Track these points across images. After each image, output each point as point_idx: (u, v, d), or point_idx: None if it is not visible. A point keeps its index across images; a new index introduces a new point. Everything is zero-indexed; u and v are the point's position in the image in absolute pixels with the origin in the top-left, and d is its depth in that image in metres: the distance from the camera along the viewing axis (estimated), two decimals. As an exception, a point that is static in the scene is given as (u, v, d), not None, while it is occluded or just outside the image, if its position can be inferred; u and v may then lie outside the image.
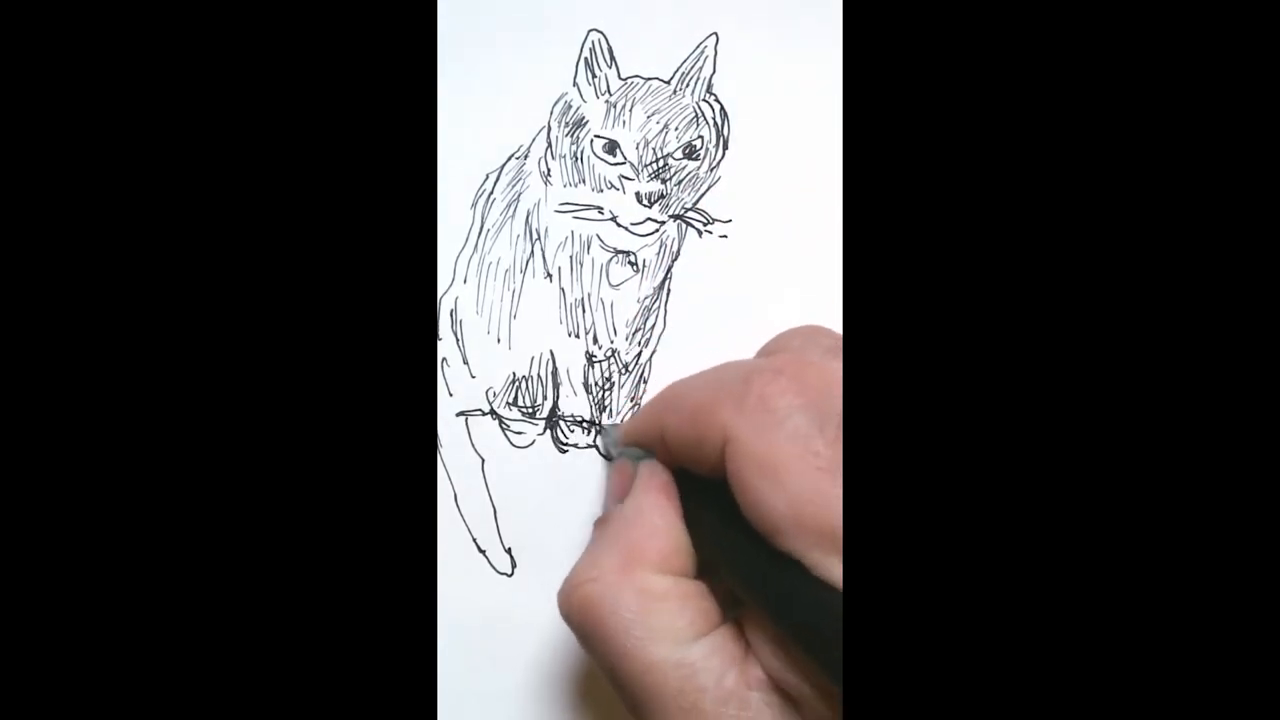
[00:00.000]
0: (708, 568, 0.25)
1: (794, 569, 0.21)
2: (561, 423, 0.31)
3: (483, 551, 0.31)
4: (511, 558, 0.31)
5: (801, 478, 0.21)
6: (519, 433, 0.31)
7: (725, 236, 0.31)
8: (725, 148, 0.31)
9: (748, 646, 0.23)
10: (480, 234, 0.31)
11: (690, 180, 0.31)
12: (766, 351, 0.25)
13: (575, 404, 0.31)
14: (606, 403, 0.31)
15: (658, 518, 0.24)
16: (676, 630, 0.23)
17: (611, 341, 0.31)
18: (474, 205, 0.31)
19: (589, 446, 0.31)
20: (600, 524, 0.26)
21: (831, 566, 0.20)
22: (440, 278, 0.31)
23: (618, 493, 0.26)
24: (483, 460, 0.31)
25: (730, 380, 0.23)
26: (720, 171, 0.31)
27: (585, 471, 0.31)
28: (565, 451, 0.31)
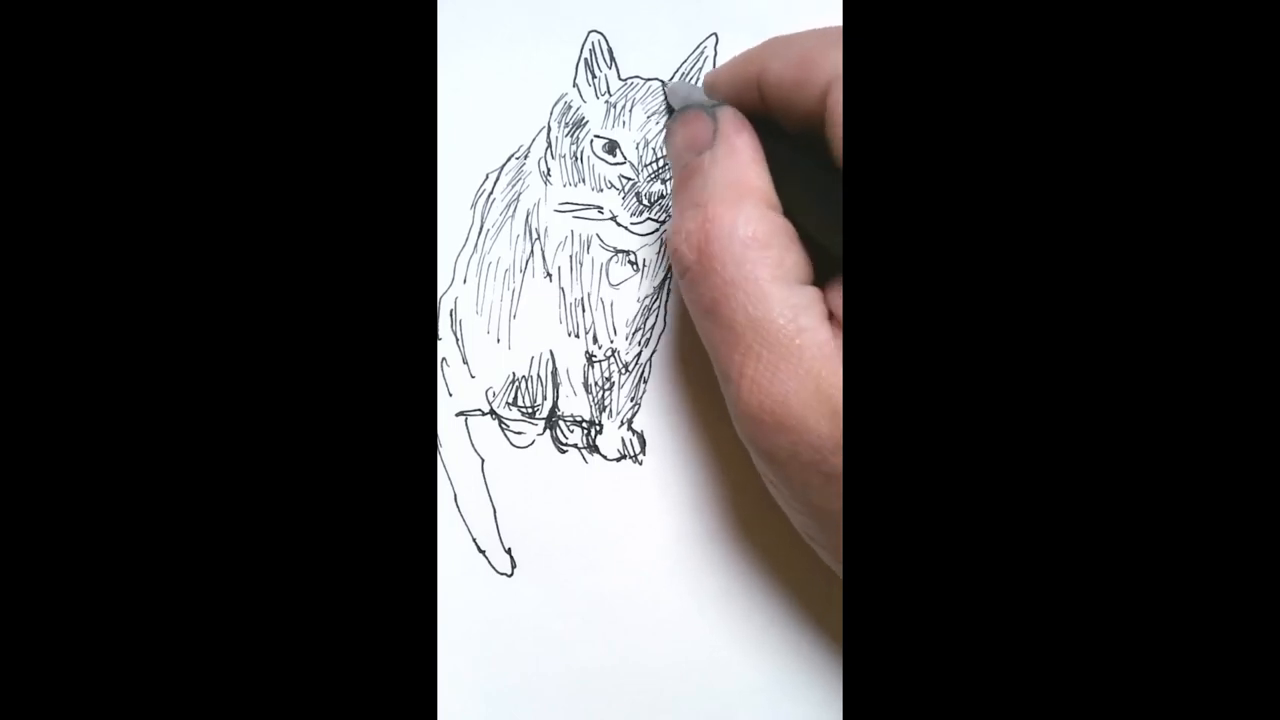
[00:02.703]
0: (791, 215, 0.25)
1: None
2: (561, 423, 0.31)
3: (483, 551, 0.31)
4: (511, 558, 0.31)
5: None
6: (519, 433, 0.31)
7: (725, 236, 0.31)
8: (725, 148, 0.31)
9: (832, 314, 0.23)
10: (480, 234, 0.31)
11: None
12: None
13: (575, 404, 0.31)
14: (606, 403, 0.31)
15: (754, 154, 0.25)
16: (785, 267, 0.23)
17: (611, 341, 0.31)
18: (474, 205, 0.31)
19: (589, 447, 0.31)
20: (688, 174, 0.26)
21: None
22: (440, 278, 0.31)
23: (696, 142, 0.26)
24: (482, 460, 0.31)
25: (837, 33, 0.24)
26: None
27: (585, 471, 0.31)
28: (565, 451, 0.31)
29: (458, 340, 0.31)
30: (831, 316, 0.23)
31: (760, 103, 0.25)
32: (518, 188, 0.31)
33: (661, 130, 0.31)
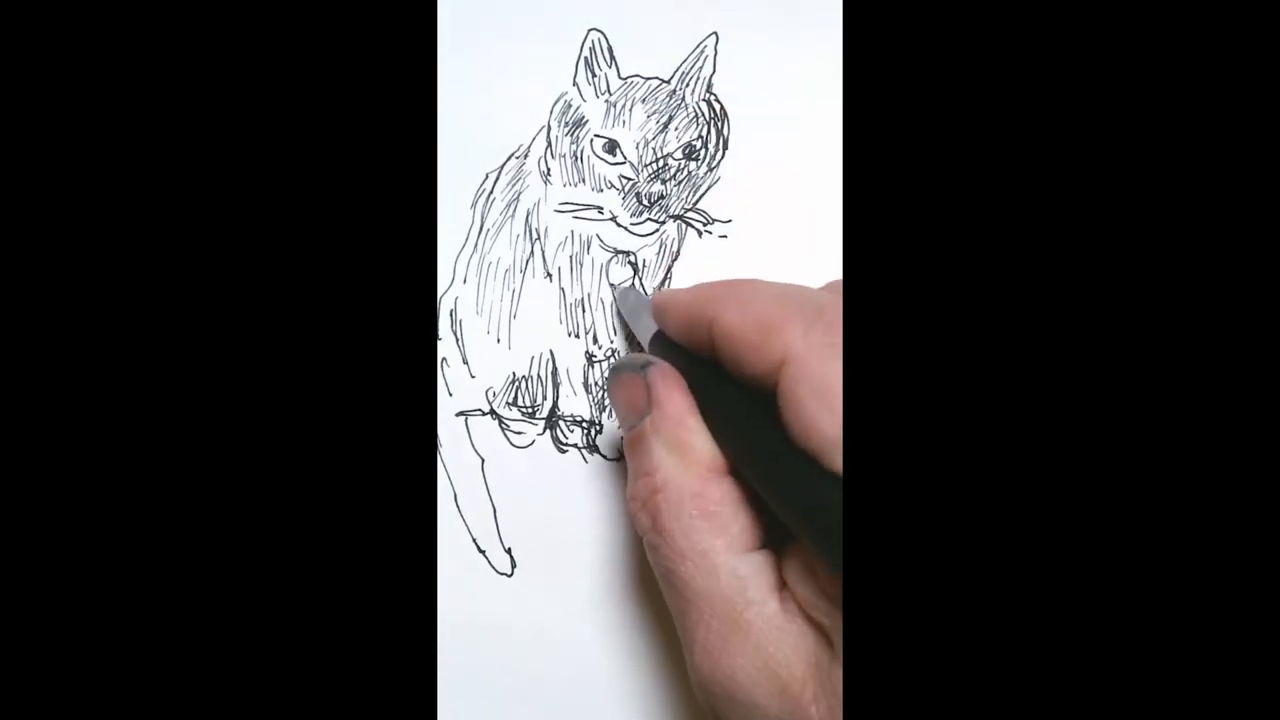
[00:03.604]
0: (736, 473, 0.25)
1: (835, 486, 0.21)
2: (561, 423, 0.31)
3: (483, 551, 0.31)
4: (511, 558, 0.31)
5: None
6: (519, 433, 0.31)
7: (725, 236, 0.31)
8: (725, 148, 0.31)
9: (783, 582, 0.23)
10: (480, 234, 0.31)
11: (690, 180, 0.31)
12: (834, 289, 0.25)
13: (575, 404, 0.31)
14: (606, 403, 0.31)
15: (691, 419, 0.25)
16: (732, 535, 0.24)
17: (611, 341, 0.31)
18: (474, 205, 0.31)
19: (589, 447, 0.31)
20: (635, 441, 0.26)
21: None
22: (440, 278, 0.31)
23: (632, 403, 0.26)
24: (483, 460, 0.31)
25: (801, 302, 0.23)
26: (720, 171, 0.31)
27: (585, 471, 0.31)
28: (565, 451, 0.31)
29: (458, 340, 0.31)
30: (784, 586, 0.23)
31: (708, 346, 0.25)
32: (518, 187, 0.31)
33: (662, 131, 0.31)
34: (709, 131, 0.31)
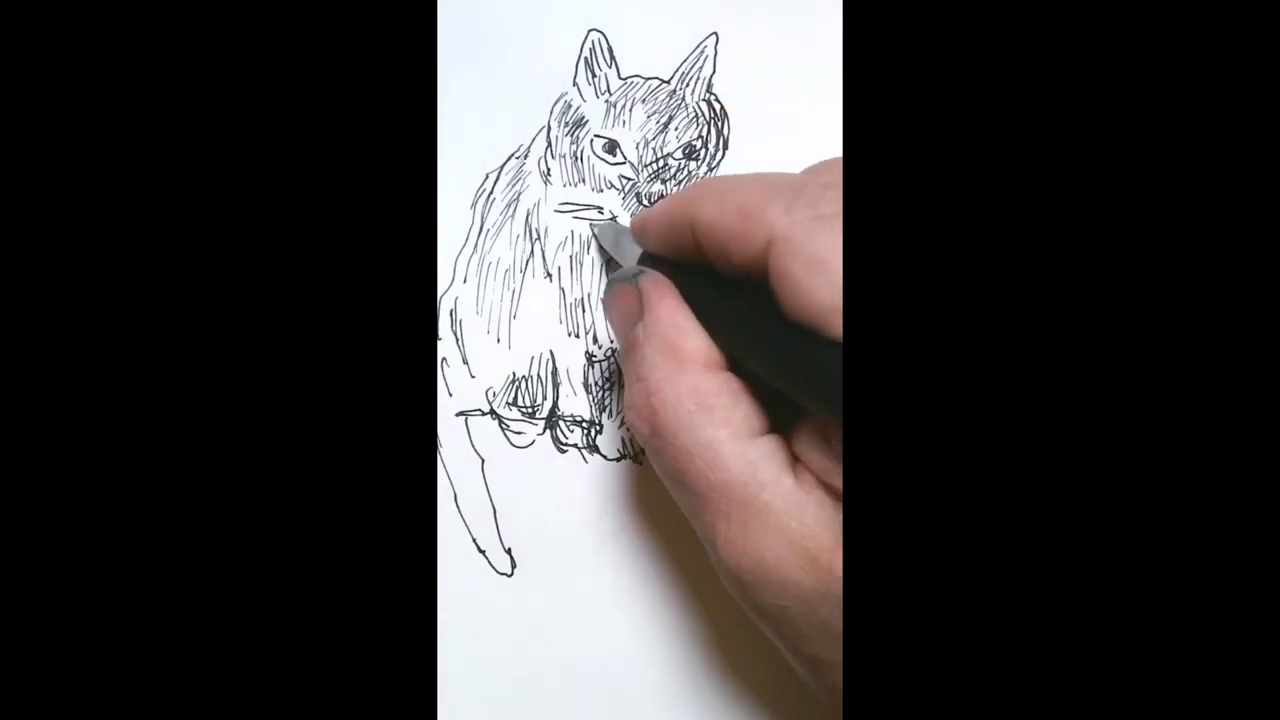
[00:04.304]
0: (737, 366, 0.25)
1: (835, 351, 0.21)
2: (561, 423, 0.31)
3: (483, 551, 0.31)
4: (511, 558, 0.31)
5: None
6: (519, 433, 0.31)
7: (725, 236, 0.31)
8: (725, 148, 0.31)
9: (796, 459, 0.23)
10: (480, 234, 0.31)
11: (690, 180, 0.31)
12: (812, 172, 0.25)
13: (575, 404, 0.31)
14: (606, 403, 0.31)
15: (683, 319, 0.25)
16: (735, 424, 0.24)
17: (611, 341, 0.31)
18: (474, 205, 0.31)
19: (589, 447, 0.31)
20: (629, 349, 0.26)
21: None
22: (440, 278, 0.31)
23: (627, 315, 0.26)
24: (483, 460, 0.31)
25: (777, 184, 0.23)
26: (720, 171, 0.31)
27: (585, 471, 0.31)
28: (565, 451, 0.31)
29: (458, 340, 0.31)
30: (797, 461, 0.23)
31: (695, 248, 0.25)
32: (518, 187, 0.31)
33: (662, 131, 0.31)
34: (709, 131, 0.31)
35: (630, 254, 0.28)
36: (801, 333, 0.22)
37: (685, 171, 0.31)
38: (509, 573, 0.31)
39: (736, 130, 0.31)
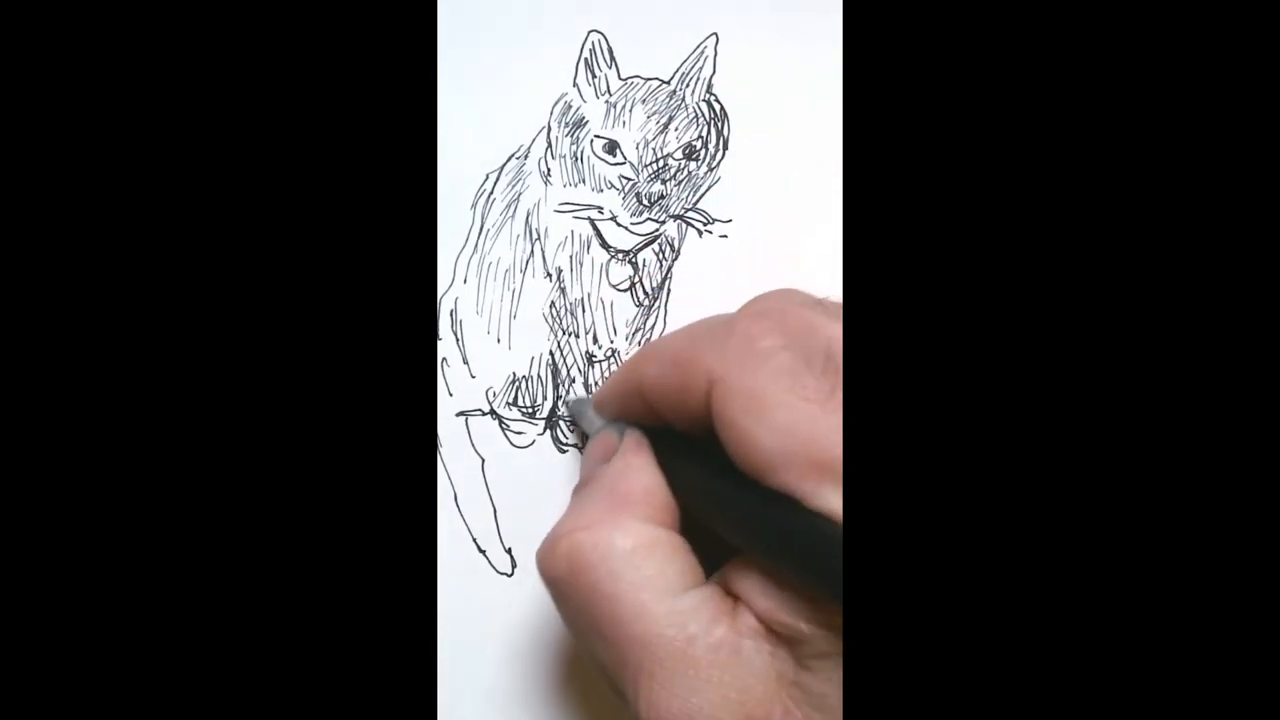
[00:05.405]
0: (691, 524, 0.24)
1: (787, 505, 0.20)
2: (561, 423, 0.31)
3: (483, 551, 0.31)
4: (511, 558, 0.31)
5: (789, 410, 0.20)
6: (519, 433, 0.31)
7: (725, 236, 0.31)
8: (725, 148, 0.31)
9: (736, 600, 0.22)
10: (480, 234, 0.31)
11: (690, 180, 0.31)
12: (746, 307, 0.25)
13: (575, 404, 0.31)
14: (606, 403, 0.31)
15: (643, 474, 0.24)
16: (667, 578, 0.22)
17: (611, 341, 0.31)
18: (474, 205, 0.31)
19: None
20: (581, 487, 0.26)
21: (827, 496, 0.20)
22: (440, 278, 0.31)
23: (600, 460, 0.26)
24: (483, 460, 0.31)
25: (711, 327, 0.23)
26: (720, 171, 0.31)
27: (585, 471, 0.31)
28: (565, 451, 0.31)
29: (458, 340, 0.31)
30: (738, 603, 0.22)
31: (648, 411, 0.25)
32: (518, 188, 0.31)
33: (662, 131, 0.31)
34: (709, 132, 0.31)
35: (594, 425, 0.28)
36: (752, 485, 0.21)
37: (685, 171, 0.31)
38: (509, 573, 0.31)
39: (736, 130, 0.31)
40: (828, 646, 0.21)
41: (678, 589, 0.22)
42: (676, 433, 0.25)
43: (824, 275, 0.30)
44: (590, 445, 0.27)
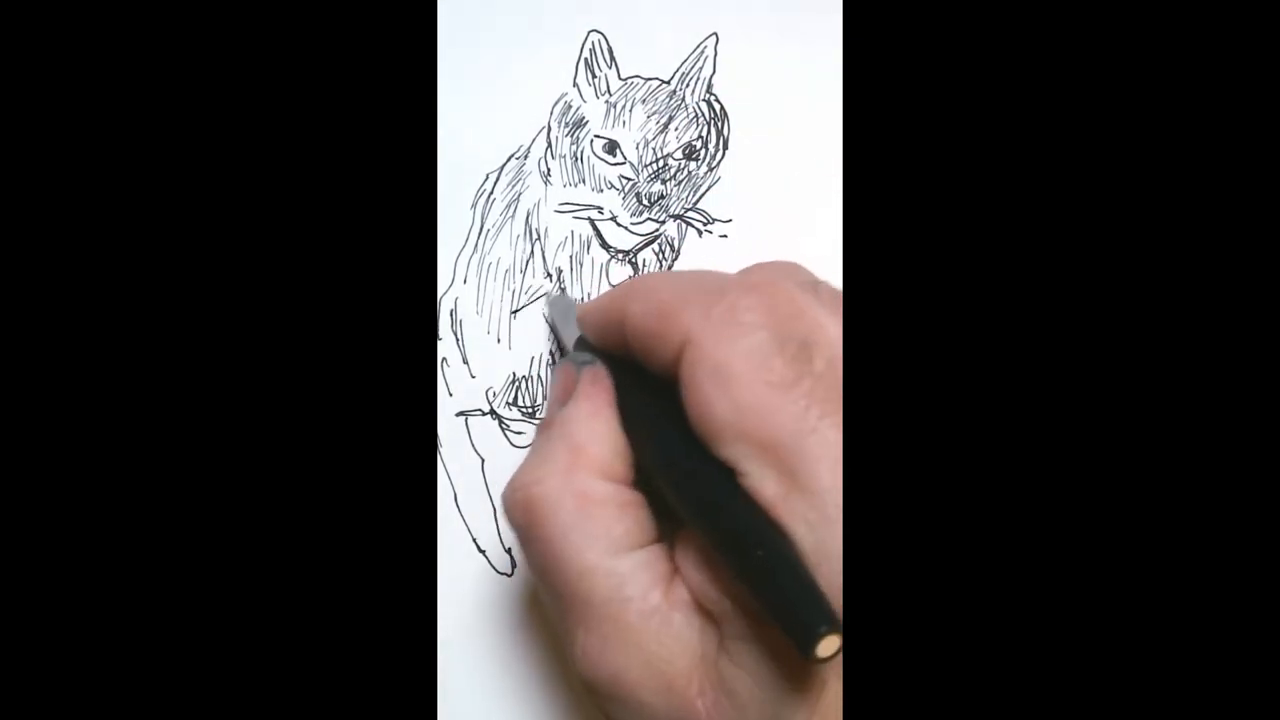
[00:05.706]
0: (645, 477, 0.24)
1: (726, 478, 0.21)
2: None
3: (483, 551, 0.31)
4: (511, 558, 0.31)
5: (751, 388, 0.21)
6: (519, 433, 0.31)
7: (725, 236, 0.31)
8: (725, 148, 0.31)
9: (675, 570, 0.23)
10: (480, 234, 0.31)
11: (690, 180, 0.31)
12: (744, 273, 0.25)
13: (575, 404, 0.31)
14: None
15: (600, 423, 0.24)
16: (612, 538, 0.23)
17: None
18: (474, 205, 0.31)
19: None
20: (544, 428, 0.26)
21: (763, 480, 0.20)
22: (440, 278, 0.31)
23: (561, 396, 0.26)
24: (483, 460, 0.31)
25: (703, 286, 0.23)
26: (720, 171, 0.31)
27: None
28: (565, 451, 0.31)
29: (458, 340, 0.31)
30: (675, 574, 0.23)
31: (623, 344, 0.25)
32: (518, 188, 0.31)
33: (662, 131, 0.31)
34: (709, 131, 0.31)
35: (571, 335, 0.28)
36: (701, 449, 0.21)
37: (685, 171, 0.31)
38: (509, 573, 0.31)
39: (736, 130, 0.31)
40: (746, 630, 0.21)
41: (622, 548, 0.23)
42: (644, 376, 0.24)
43: (824, 275, 0.30)
44: (555, 376, 0.27)
